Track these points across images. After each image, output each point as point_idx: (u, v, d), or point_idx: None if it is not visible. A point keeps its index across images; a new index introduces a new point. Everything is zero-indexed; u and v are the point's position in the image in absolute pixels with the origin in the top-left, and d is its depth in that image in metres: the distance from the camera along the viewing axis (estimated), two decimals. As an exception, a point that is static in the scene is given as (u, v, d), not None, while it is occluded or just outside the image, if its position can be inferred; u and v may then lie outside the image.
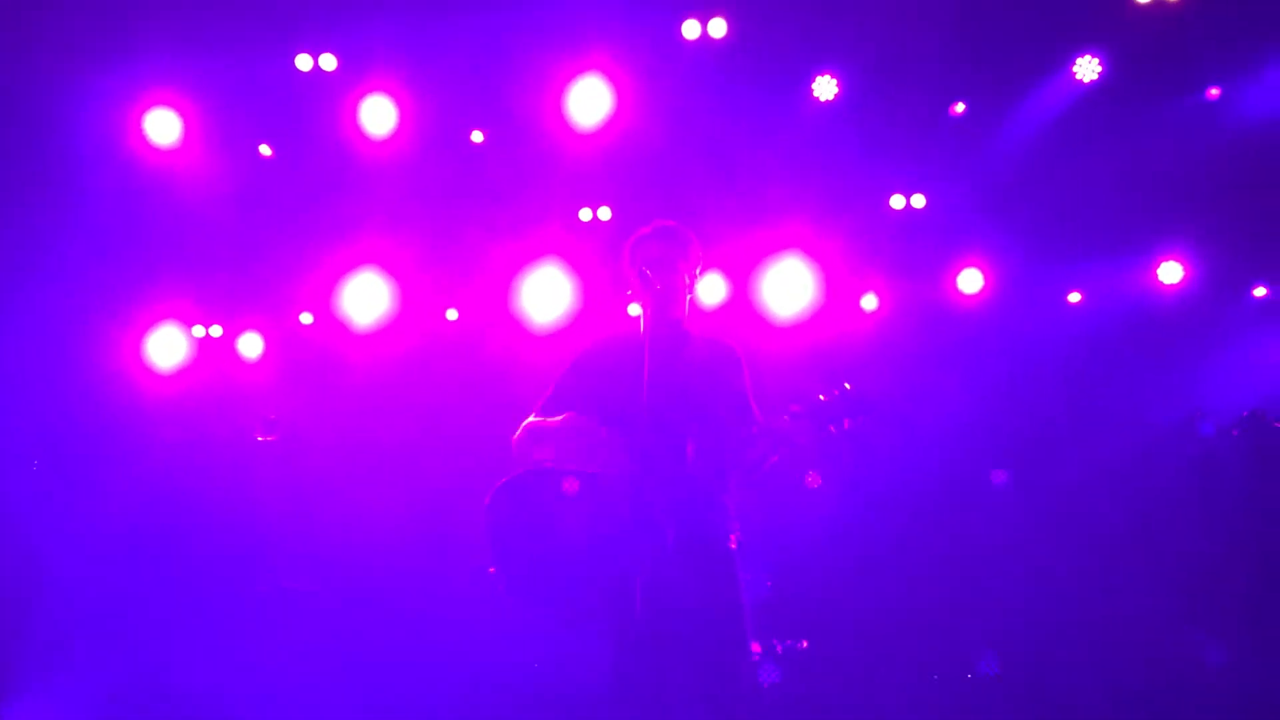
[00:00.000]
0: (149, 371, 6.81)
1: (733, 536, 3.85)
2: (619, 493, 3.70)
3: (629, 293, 4.07)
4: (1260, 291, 6.49)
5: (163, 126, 6.59)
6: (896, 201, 6.61)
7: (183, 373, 6.87)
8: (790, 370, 6.52)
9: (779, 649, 6.17)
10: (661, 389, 3.76)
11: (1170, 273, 6.45)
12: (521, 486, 3.81)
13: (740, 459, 3.77)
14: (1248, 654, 5.89)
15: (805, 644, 6.23)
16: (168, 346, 6.86)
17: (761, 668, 5.94)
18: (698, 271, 4.11)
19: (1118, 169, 6.31)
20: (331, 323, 6.84)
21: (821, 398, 3.66)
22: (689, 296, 4.06)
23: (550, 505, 3.75)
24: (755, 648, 4.30)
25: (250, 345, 6.92)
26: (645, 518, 3.66)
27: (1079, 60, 6.27)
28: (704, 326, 4.24)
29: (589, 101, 6.49)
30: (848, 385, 3.64)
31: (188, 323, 6.89)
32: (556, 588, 3.70)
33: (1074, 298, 6.59)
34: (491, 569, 3.75)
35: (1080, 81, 6.29)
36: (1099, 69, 6.26)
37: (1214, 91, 6.28)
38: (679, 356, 3.93)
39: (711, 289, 6.54)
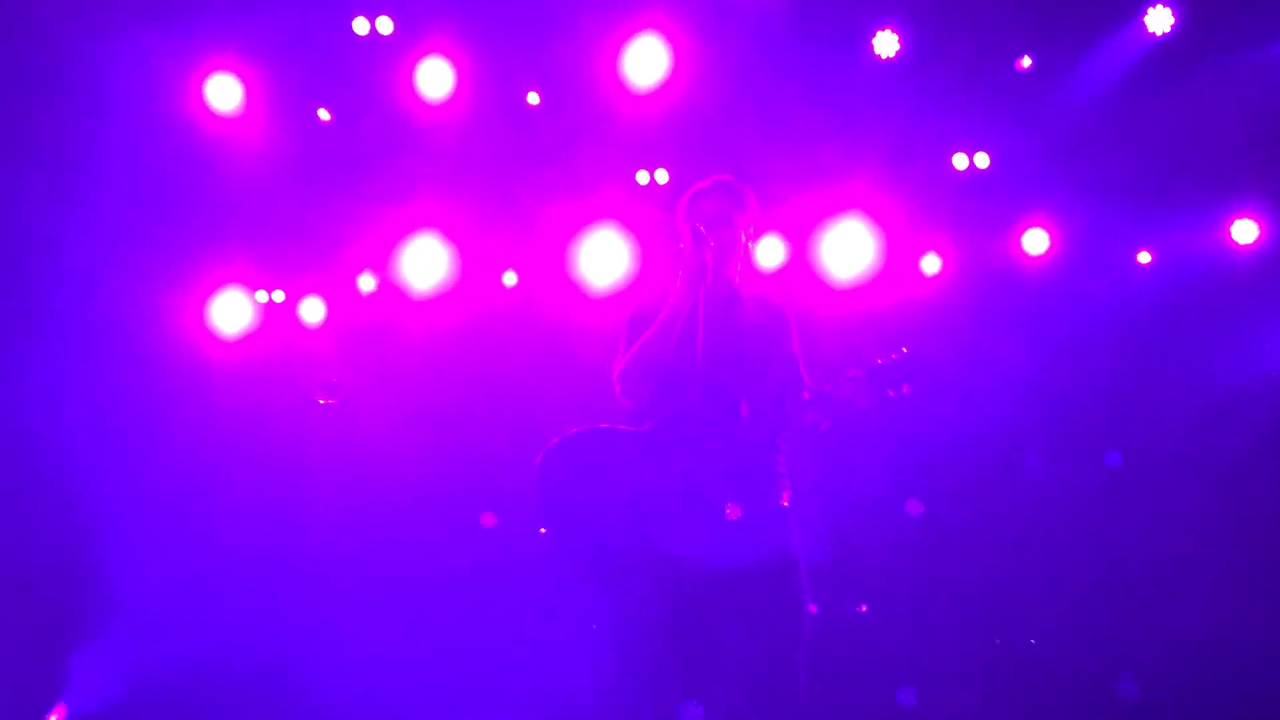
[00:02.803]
0: (213, 336, 6.91)
1: (785, 495, 3.80)
2: (671, 451, 3.68)
3: (682, 246, 4.03)
4: (1340, 249, 6.27)
5: (223, 92, 6.63)
6: (960, 161, 6.47)
7: (247, 337, 6.95)
8: (850, 333, 6.45)
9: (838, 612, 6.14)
10: (716, 347, 3.73)
11: (1244, 231, 6.25)
12: (573, 446, 3.80)
13: (795, 422, 3.73)
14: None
15: (864, 608, 6.19)
16: (232, 311, 6.94)
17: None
18: (752, 229, 4.06)
19: (1190, 124, 6.11)
20: (391, 287, 6.87)
21: (879, 361, 3.65)
22: (744, 253, 4.01)
23: (602, 464, 3.74)
24: (812, 609, 4.31)
25: (312, 310, 6.99)
26: (698, 476, 3.64)
27: (1151, 10, 6.06)
28: (755, 285, 4.18)
29: (645, 62, 6.42)
30: (905, 350, 3.64)
31: (251, 288, 6.97)
32: (608, 546, 3.69)
33: (1144, 258, 6.41)
34: (542, 529, 3.74)
35: (1152, 33, 6.09)
36: (1172, 20, 6.05)
37: (1293, 40, 6.07)
38: (732, 315, 3.90)
39: (770, 251, 6.47)
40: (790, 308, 4.00)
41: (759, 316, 3.94)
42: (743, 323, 3.89)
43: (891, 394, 3.65)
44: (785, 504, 3.81)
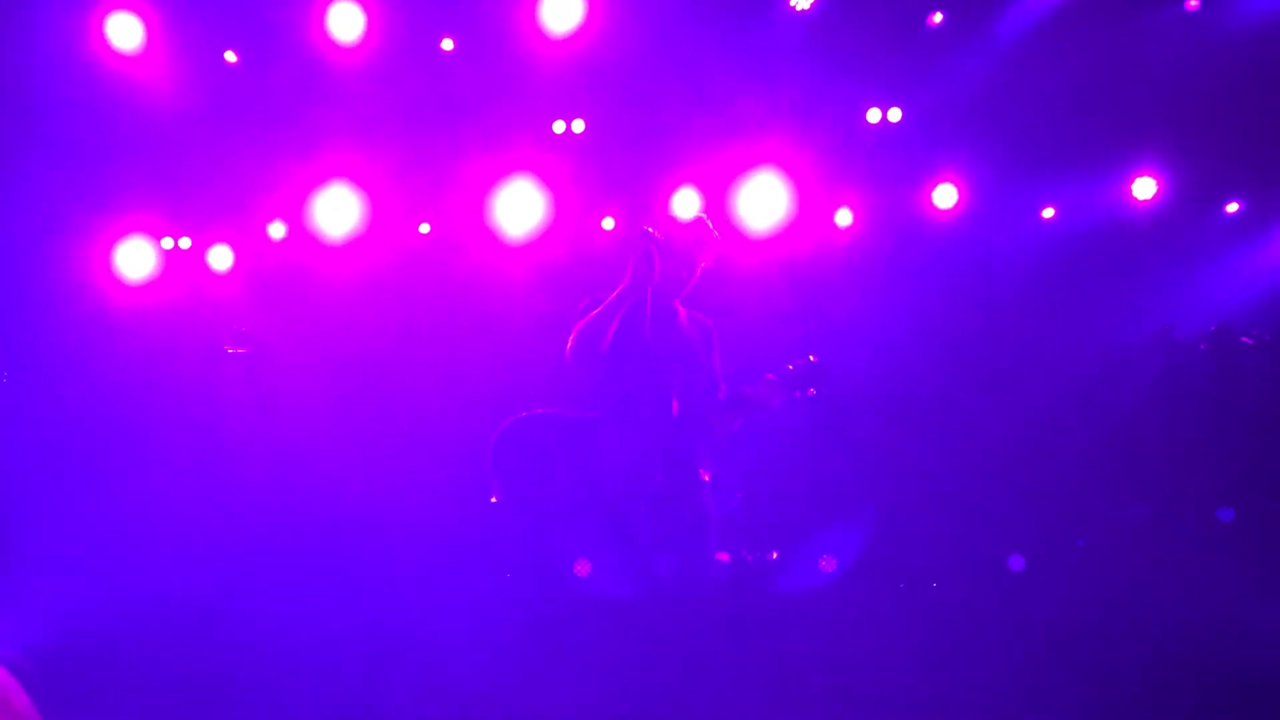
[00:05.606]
0: (118, 283, 6.74)
1: (704, 472, 4.21)
2: (613, 438, 4.11)
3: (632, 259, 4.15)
4: (1233, 207, 6.51)
5: (125, 31, 6.42)
6: (873, 115, 6.55)
7: (152, 285, 6.80)
8: (764, 286, 6.53)
9: (749, 559, 6.25)
10: (657, 349, 4.18)
11: (1144, 188, 6.46)
12: (528, 426, 4.15)
13: (716, 418, 4.22)
14: (1213, 564, 5.98)
15: (775, 555, 6.31)
16: (136, 258, 6.78)
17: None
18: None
19: (1095, 82, 6.28)
20: (303, 235, 6.77)
21: (791, 367, 4.22)
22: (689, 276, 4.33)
23: (551, 446, 4.13)
24: (723, 557, 4.55)
25: (220, 257, 6.86)
26: (636, 456, 4.09)
27: (1059, -31, 6.20)
28: (689, 302, 4.43)
29: (560, 12, 6.36)
30: (813, 358, 4.23)
31: (156, 235, 6.81)
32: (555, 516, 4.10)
33: (1048, 213, 6.59)
34: (494, 499, 4.11)
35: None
36: (1078, -21, 6.18)
37: (1193, 2, 6.22)
38: (670, 323, 4.29)
39: (685, 203, 6.50)
40: (717, 328, 4.38)
41: (692, 330, 4.32)
42: (677, 332, 4.26)
43: (799, 395, 4.22)
44: (706, 478, 4.19)
